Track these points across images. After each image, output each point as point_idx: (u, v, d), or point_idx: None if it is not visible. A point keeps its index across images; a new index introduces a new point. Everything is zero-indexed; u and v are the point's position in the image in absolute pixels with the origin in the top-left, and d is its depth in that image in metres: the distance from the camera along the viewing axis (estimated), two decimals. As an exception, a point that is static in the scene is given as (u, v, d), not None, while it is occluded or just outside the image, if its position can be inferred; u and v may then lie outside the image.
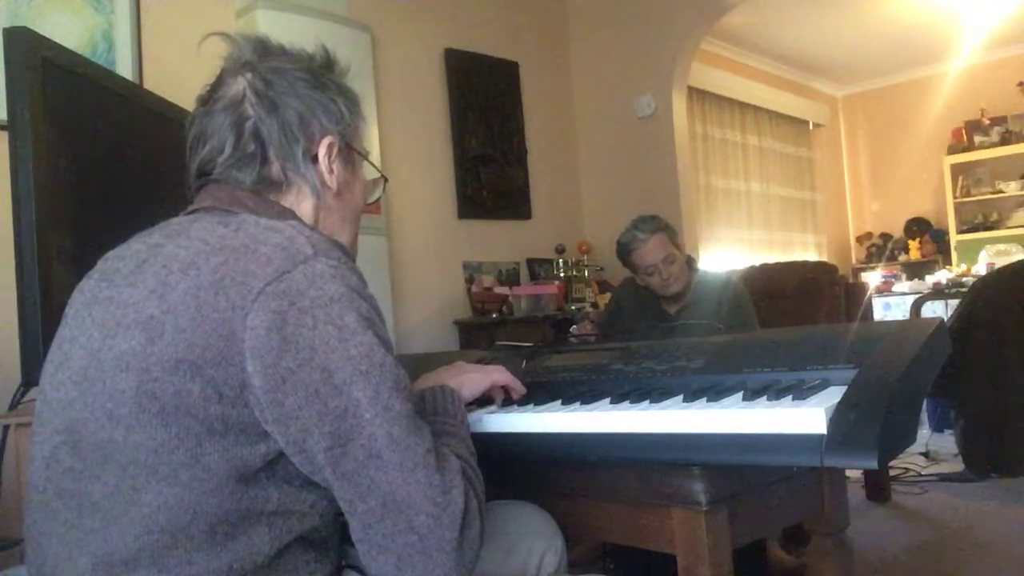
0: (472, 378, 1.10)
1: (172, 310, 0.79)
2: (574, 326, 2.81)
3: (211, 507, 0.77)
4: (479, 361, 1.25)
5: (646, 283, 2.51)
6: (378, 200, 1.15)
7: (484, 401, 1.16)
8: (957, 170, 6.88)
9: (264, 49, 0.97)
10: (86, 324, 0.85)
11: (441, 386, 1.02)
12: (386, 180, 1.15)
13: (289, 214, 0.93)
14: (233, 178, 0.93)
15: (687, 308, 2.48)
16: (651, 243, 2.44)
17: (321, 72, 0.99)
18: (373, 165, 1.09)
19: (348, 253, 0.91)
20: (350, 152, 1.01)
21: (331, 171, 0.97)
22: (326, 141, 0.96)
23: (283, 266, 0.80)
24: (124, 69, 2.76)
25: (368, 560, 0.80)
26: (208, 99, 0.96)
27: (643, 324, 2.50)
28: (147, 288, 0.82)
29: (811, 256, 6.71)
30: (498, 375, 1.14)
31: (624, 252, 2.51)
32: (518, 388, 1.17)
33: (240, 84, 0.94)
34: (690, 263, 2.57)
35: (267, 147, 0.93)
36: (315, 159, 0.96)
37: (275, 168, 0.94)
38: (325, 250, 0.84)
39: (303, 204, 0.96)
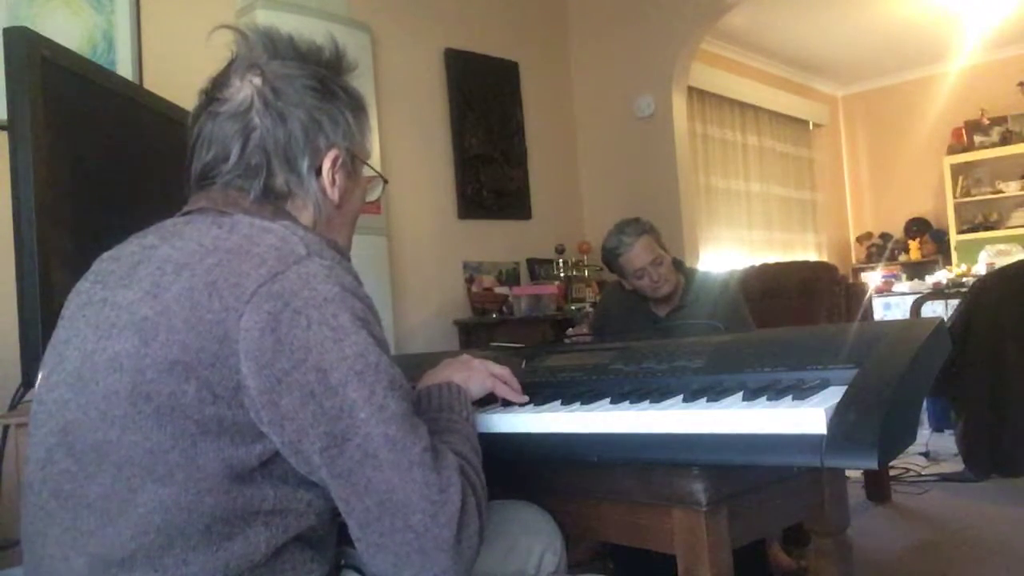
0: (478, 377, 1.09)
1: (166, 311, 0.79)
2: (570, 329, 2.81)
3: (207, 507, 0.77)
4: None
5: (635, 287, 2.49)
6: (378, 199, 1.14)
7: (484, 401, 1.16)
8: (957, 170, 6.88)
9: (273, 48, 0.96)
10: (80, 325, 0.85)
11: (448, 382, 1.02)
12: (385, 181, 1.14)
13: (283, 214, 0.93)
14: (237, 187, 0.92)
15: (680, 310, 2.46)
16: (638, 246, 2.41)
17: (329, 78, 0.97)
18: (374, 169, 1.08)
19: (343, 252, 0.91)
20: (353, 160, 1.00)
21: (333, 183, 0.97)
22: (331, 154, 0.96)
23: (276, 267, 0.80)
24: (124, 69, 2.76)
25: (366, 559, 0.80)
26: (212, 97, 0.94)
27: (638, 327, 2.49)
28: (141, 289, 0.82)
29: (811, 256, 6.71)
30: (500, 385, 1.13)
31: (611, 257, 2.48)
32: (518, 400, 1.15)
33: (248, 89, 0.93)
34: (677, 264, 2.55)
35: (272, 160, 0.92)
36: (319, 171, 0.95)
37: (279, 180, 0.93)
38: (319, 250, 0.84)
39: (303, 214, 0.96)
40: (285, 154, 0.93)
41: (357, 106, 1.00)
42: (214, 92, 0.95)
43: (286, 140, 0.92)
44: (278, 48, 0.96)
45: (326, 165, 0.96)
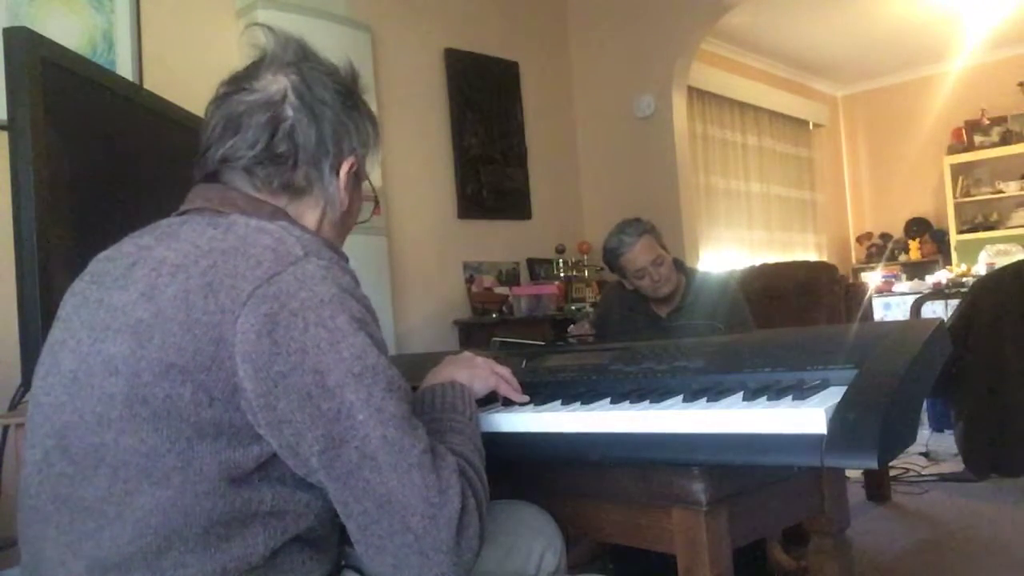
0: (482, 375, 1.10)
1: (161, 314, 0.79)
2: (572, 326, 2.81)
3: (204, 509, 0.77)
4: None
5: (636, 287, 2.50)
6: (374, 209, 1.16)
7: (485, 400, 1.16)
8: (957, 170, 6.88)
9: (304, 53, 0.98)
10: (75, 327, 0.85)
11: (451, 382, 1.02)
12: (377, 203, 1.16)
13: (280, 214, 0.93)
14: (259, 175, 0.93)
15: (681, 311, 2.47)
16: (638, 246, 2.42)
17: (353, 90, 1.00)
18: (372, 187, 1.10)
19: (340, 253, 0.91)
20: (362, 171, 1.03)
21: (346, 188, 0.98)
22: (350, 160, 0.98)
23: (273, 268, 0.80)
24: (124, 69, 2.76)
25: (366, 561, 0.80)
26: (239, 88, 0.94)
27: (639, 327, 2.50)
28: (137, 291, 0.82)
29: (811, 256, 6.71)
30: (504, 384, 1.13)
31: (612, 257, 2.49)
32: (519, 400, 1.16)
33: (282, 83, 0.94)
34: (678, 265, 2.56)
35: (299, 152, 0.93)
36: (337, 174, 0.97)
37: (300, 174, 0.94)
38: (315, 251, 0.83)
39: (311, 212, 0.96)
40: (314, 150, 0.94)
41: (375, 121, 1.03)
42: (242, 83, 0.95)
43: (317, 137, 0.94)
44: (307, 55, 0.98)
45: (344, 169, 0.97)
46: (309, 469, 0.79)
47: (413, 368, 1.08)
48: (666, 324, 2.46)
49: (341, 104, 0.96)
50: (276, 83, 0.94)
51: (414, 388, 0.97)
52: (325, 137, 0.94)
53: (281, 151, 0.92)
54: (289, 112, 0.93)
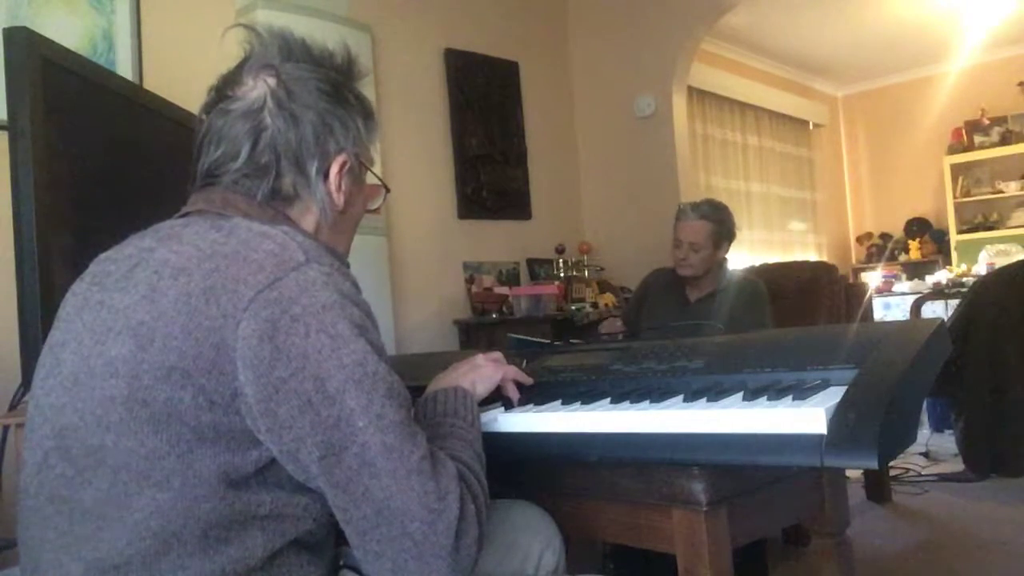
0: (485, 374, 1.09)
1: (163, 317, 0.78)
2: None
3: (203, 512, 0.77)
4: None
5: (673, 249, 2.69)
6: (382, 202, 1.14)
7: (486, 400, 1.16)
8: (957, 170, 6.88)
9: (288, 50, 0.96)
10: (77, 328, 0.85)
11: (454, 387, 1.02)
12: (388, 190, 1.13)
13: (282, 218, 0.92)
14: (244, 187, 0.92)
15: (707, 299, 2.64)
16: (690, 224, 2.62)
17: (342, 82, 0.97)
18: (378, 177, 1.08)
19: (341, 259, 0.90)
20: (359, 166, 1.01)
21: (339, 188, 0.97)
22: (339, 159, 0.96)
23: (275, 273, 0.79)
24: (124, 69, 2.76)
25: (365, 565, 0.80)
26: (223, 96, 0.94)
27: (668, 306, 2.68)
28: (138, 293, 0.81)
29: (811, 256, 6.71)
30: (508, 369, 1.14)
31: (677, 214, 2.70)
32: (525, 380, 1.17)
33: (261, 88, 0.92)
34: (721, 266, 2.69)
35: (281, 160, 0.92)
36: (326, 175, 0.95)
37: (287, 182, 0.93)
38: (317, 256, 0.83)
39: (306, 217, 0.95)
40: (295, 156, 0.92)
41: (367, 113, 1.00)
42: (225, 89, 0.94)
43: (297, 142, 0.92)
44: (292, 50, 0.96)
45: (334, 170, 0.96)
46: (308, 475, 0.79)
47: (413, 368, 1.08)
48: (689, 308, 2.64)
49: (325, 103, 0.94)
50: (256, 89, 0.93)
51: (412, 390, 0.97)
52: (307, 142, 0.93)
53: (264, 161, 0.91)
54: (268, 120, 0.91)
